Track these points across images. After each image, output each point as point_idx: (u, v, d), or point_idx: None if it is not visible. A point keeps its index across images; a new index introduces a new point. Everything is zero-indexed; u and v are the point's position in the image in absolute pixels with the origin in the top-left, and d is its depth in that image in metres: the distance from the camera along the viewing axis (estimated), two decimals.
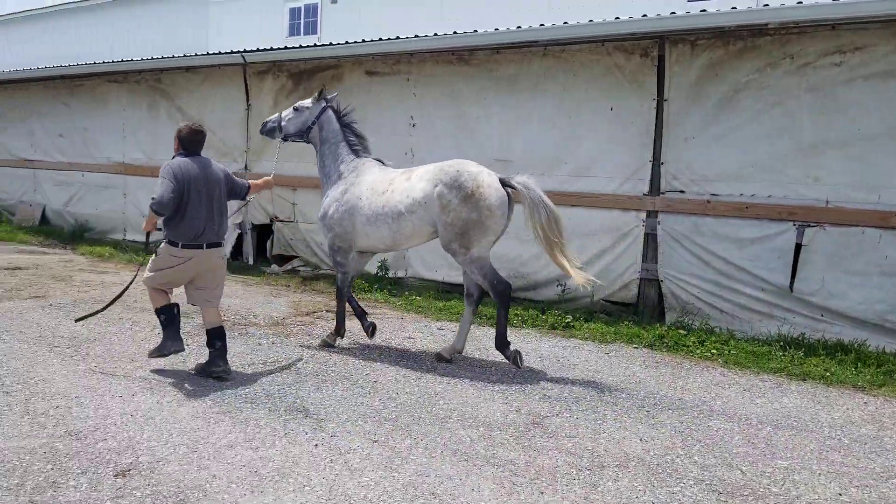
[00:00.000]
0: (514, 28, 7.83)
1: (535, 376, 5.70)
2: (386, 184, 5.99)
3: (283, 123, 6.55)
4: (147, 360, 5.59)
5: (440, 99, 8.82)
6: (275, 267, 10.41)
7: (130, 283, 5.73)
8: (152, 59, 11.52)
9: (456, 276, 8.83)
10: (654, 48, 7.51)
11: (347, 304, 6.49)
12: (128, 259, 10.83)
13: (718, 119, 7.22)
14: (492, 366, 5.92)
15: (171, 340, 5.37)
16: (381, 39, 8.74)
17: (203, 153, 5.53)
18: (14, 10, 21.79)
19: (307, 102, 6.56)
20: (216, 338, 5.30)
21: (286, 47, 9.88)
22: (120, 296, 5.68)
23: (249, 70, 10.40)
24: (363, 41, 8.89)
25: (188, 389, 4.97)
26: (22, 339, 6.06)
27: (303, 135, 6.54)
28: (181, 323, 5.56)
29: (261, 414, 4.57)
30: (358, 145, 6.48)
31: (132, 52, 16.23)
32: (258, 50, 10.00)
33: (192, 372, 5.39)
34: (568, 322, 7.50)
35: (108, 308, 5.79)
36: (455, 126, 8.75)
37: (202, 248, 5.26)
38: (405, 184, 5.88)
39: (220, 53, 10.49)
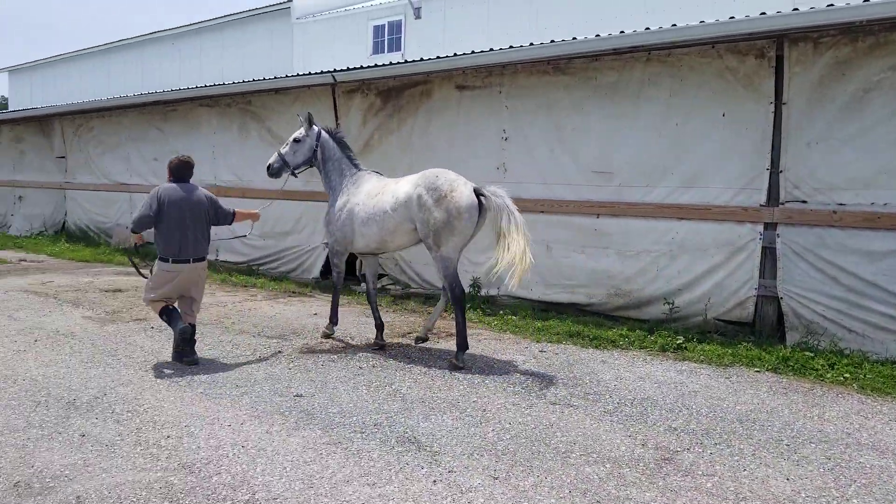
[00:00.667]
0: (616, 33, 7.46)
1: (654, 405, 5.28)
2: (379, 189, 6.72)
3: (288, 158, 7.15)
4: (251, 385, 5.51)
5: (534, 110, 8.52)
6: (364, 286, 10.31)
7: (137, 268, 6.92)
8: (244, 82, 11.70)
9: (552, 294, 8.48)
10: (770, 48, 6.99)
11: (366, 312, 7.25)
12: (221, 279, 10.97)
13: (845, 122, 6.63)
14: (605, 393, 5.54)
15: (183, 350, 6.13)
16: (473, 52, 8.52)
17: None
18: (110, 41, 22.92)
19: (302, 132, 7.16)
20: (193, 332, 6.17)
21: (376, 65, 9.80)
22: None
23: (338, 89, 10.39)
24: (455, 55, 8.71)
25: (295, 416, 4.82)
26: (128, 364, 6.10)
27: (310, 161, 7.18)
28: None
29: (372, 445, 4.35)
30: (356, 159, 7.23)
31: (220, 77, 16.71)
32: (349, 69, 9.97)
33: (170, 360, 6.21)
34: (679, 343, 7.02)
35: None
36: (550, 138, 8.43)
37: (189, 262, 6.13)
38: (393, 187, 6.60)
39: (310, 74, 10.54)
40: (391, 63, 9.65)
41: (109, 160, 15.14)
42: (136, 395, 5.27)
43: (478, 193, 6.34)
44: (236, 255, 12.23)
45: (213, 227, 6.47)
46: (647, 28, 7.37)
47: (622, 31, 7.50)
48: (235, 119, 12.16)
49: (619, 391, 5.58)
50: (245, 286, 10.52)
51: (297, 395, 5.29)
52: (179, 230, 6.06)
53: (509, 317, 8.16)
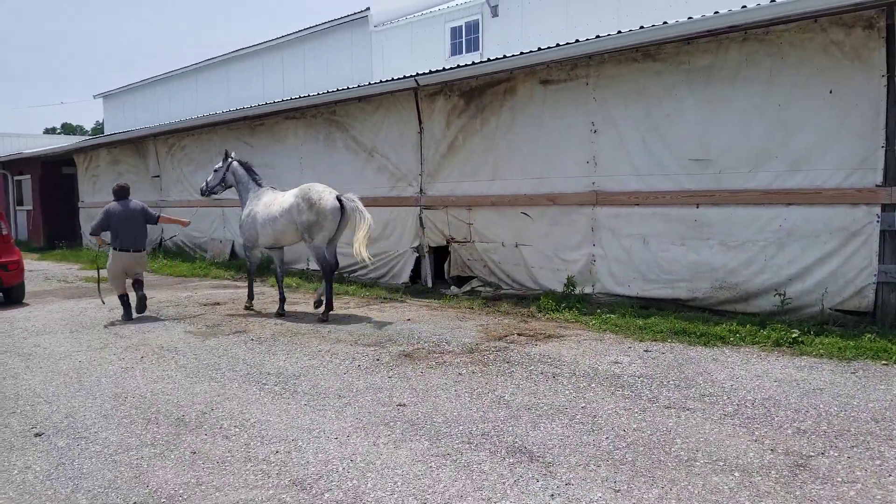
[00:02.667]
0: (709, 14, 7.07)
1: (777, 405, 4.92)
2: (272, 200, 9.05)
3: (210, 184, 9.89)
4: (353, 395, 5.50)
5: (624, 100, 8.20)
6: (454, 288, 10.25)
7: (98, 278, 10.34)
8: (329, 92, 11.86)
9: (652, 290, 8.14)
10: (880, 18, 6.46)
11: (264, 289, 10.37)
12: (313, 287, 11.15)
13: None
14: (722, 394, 5.21)
15: (126, 313, 9.22)
16: (558, 45, 8.28)
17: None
18: (197, 62, 23.86)
19: (219, 164, 9.89)
20: (140, 287, 9.35)
21: (459, 66, 9.71)
22: (99, 287, 10.32)
23: (421, 93, 10.37)
24: (539, 49, 8.50)
25: (401, 427, 4.75)
26: (232, 378, 6.20)
27: (224, 184, 9.85)
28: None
29: (482, 456, 4.22)
30: (260, 180, 9.60)
31: (302, 89, 17.05)
32: (432, 72, 9.92)
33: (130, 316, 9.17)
34: (795, 337, 6.57)
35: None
36: (642, 127, 8.09)
37: (129, 251, 9.17)
38: (281, 199, 8.94)
39: (393, 80, 10.56)
40: (474, 63, 9.53)
41: (201, 177, 15.68)
42: (241, 409, 5.32)
43: (339, 199, 8.48)
44: None
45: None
46: (744, 6, 6.93)
47: (716, 12, 7.08)
48: (321, 129, 12.35)
49: (736, 391, 5.25)
50: (337, 294, 10.63)
51: (399, 405, 5.23)
52: (123, 232, 9.15)
53: (607, 315, 7.88)
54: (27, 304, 10.89)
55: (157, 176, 17.29)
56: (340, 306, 9.62)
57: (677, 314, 7.65)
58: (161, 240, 17.41)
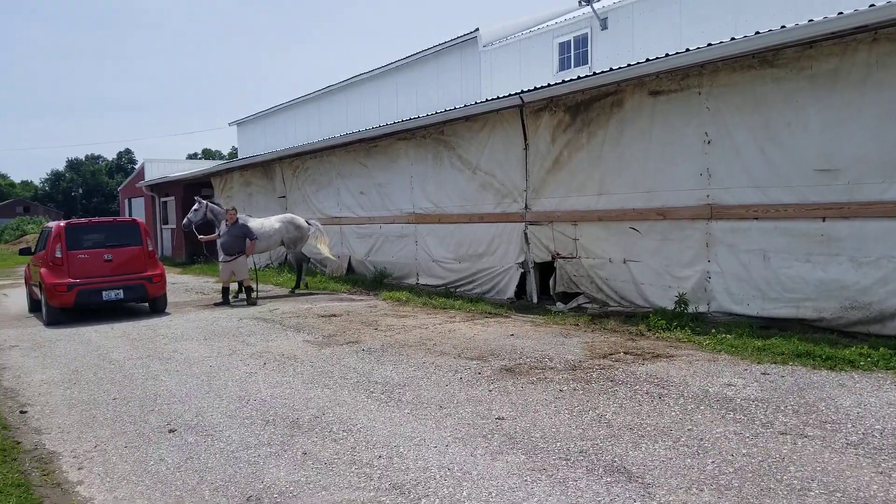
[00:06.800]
0: (833, 16, 6.63)
1: None
2: (259, 224, 13.75)
3: (192, 221, 13.74)
4: (454, 406, 5.57)
5: (740, 109, 7.82)
6: (560, 305, 10.12)
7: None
8: (436, 113, 12.18)
9: (773, 309, 7.67)
10: None
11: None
12: (423, 302, 11.39)
13: None
14: (846, 422, 4.81)
15: (225, 300, 12.68)
16: (667, 55, 8.06)
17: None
18: (318, 89, 25.17)
19: (197, 205, 13.79)
20: (246, 291, 12.94)
21: (563, 81, 9.67)
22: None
23: (526, 110, 10.40)
24: (647, 60, 8.30)
25: (498, 440, 4.76)
26: (343, 385, 6.47)
27: (203, 221, 13.76)
28: None
29: (579, 473, 4.14)
30: (239, 213, 13.53)
31: (415, 111, 17.55)
32: (536, 88, 9.95)
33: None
34: None
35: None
36: (760, 137, 7.68)
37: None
38: (268, 223, 13.99)
39: (498, 98, 10.68)
40: (579, 77, 9.45)
41: (323, 196, 16.52)
42: (350, 414, 5.54)
43: (308, 222, 14.47)
44: (435, 278, 12.66)
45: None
46: (872, 5, 6.44)
47: (840, 13, 6.63)
48: (430, 149, 12.67)
49: (863, 419, 4.83)
50: (444, 308, 10.82)
51: (498, 418, 5.24)
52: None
53: (723, 335, 7.49)
54: (168, 314, 11.88)
55: (283, 196, 18.33)
56: (447, 319, 9.77)
57: (801, 335, 7.14)
58: (286, 255, 18.39)
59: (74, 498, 4.26)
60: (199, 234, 13.79)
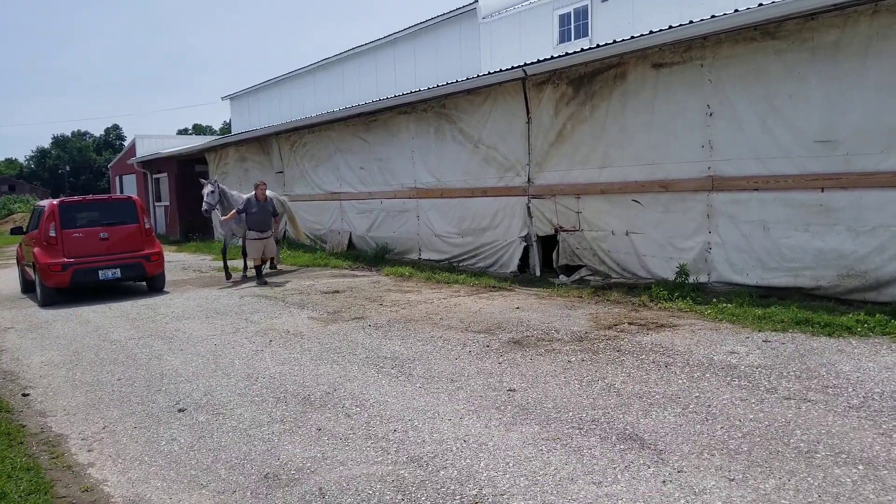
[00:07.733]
0: None
1: None
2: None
3: (211, 204, 13.07)
4: (465, 379, 5.70)
5: (741, 81, 7.87)
6: (563, 277, 10.25)
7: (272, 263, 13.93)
8: (438, 86, 12.12)
9: (772, 279, 7.81)
10: None
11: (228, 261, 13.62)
12: (426, 277, 11.49)
13: None
14: (847, 386, 4.98)
15: (259, 276, 12.36)
16: (670, 27, 8.07)
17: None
18: (314, 62, 24.90)
19: (211, 187, 13.13)
20: (262, 264, 12.76)
21: (567, 53, 9.66)
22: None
23: (529, 83, 10.40)
24: (651, 32, 8.30)
25: (511, 411, 4.90)
26: (352, 361, 6.58)
27: (218, 201, 13.21)
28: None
29: (593, 442, 4.29)
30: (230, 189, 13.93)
31: (414, 84, 17.43)
32: (539, 61, 9.93)
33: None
34: None
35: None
36: (761, 109, 7.74)
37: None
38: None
39: (501, 71, 10.66)
40: (582, 49, 9.44)
41: (322, 171, 16.49)
42: (361, 390, 5.66)
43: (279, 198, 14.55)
44: (438, 253, 12.75)
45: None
46: None
47: None
48: (431, 123, 12.66)
49: (863, 384, 5.00)
50: (448, 283, 10.92)
51: (509, 390, 5.38)
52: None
53: (724, 304, 7.64)
54: (167, 292, 11.93)
55: (281, 172, 18.28)
56: (451, 294, 9.88)
57: (800, 304, 7.30)
58: (285, 231, 18.43)
59: (87, 480, 4.28)
60: (221, 216, 13.28)
